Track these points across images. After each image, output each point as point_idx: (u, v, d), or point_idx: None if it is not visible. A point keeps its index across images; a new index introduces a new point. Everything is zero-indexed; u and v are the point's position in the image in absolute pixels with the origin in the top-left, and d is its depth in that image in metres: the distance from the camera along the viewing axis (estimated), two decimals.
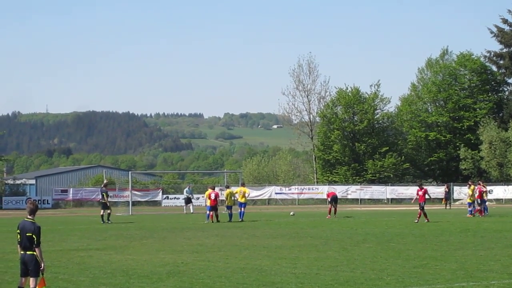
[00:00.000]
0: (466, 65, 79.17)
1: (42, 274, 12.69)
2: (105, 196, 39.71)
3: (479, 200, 42.73)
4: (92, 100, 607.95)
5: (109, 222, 38.59)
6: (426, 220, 35.85)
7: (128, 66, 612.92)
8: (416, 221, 35.84)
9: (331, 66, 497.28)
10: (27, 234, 12.55)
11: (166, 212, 57.13)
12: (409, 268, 17.40)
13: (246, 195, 41.31)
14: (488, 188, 64.30)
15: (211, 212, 38.57)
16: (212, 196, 38.73)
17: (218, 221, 38.15)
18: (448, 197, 58.92)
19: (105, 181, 44.86)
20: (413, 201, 42.45)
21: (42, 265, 12.64)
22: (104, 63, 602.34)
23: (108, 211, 39.27)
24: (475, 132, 75.36)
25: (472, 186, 43.58)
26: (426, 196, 37.59)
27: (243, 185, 43.39)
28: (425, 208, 36.82)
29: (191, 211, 52.10)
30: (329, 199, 43.49)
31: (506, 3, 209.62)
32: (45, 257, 13.42)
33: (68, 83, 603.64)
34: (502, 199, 68.18)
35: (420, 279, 15.68)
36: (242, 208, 40.23)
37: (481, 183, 45.08)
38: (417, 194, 37.64)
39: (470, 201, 42.89)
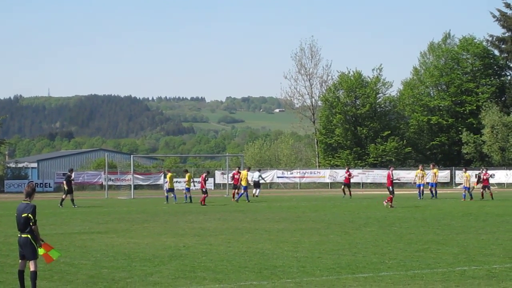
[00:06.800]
0: (468, 49, 78.88)
1: (42, 242, 12.71)
2: (69, 182, 40.16)
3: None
4: (94, 84, 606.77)
5: (75, 206, 39.00)
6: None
7: (130, 49, 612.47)
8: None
9: (333, 50, 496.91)
10: (23, 215, 12.60)
11: None
12: (410, 252, 17.42)
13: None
14: (490, 172, 64.51)
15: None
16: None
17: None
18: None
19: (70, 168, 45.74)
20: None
21: (39, 239, 12.66)
22: (106, 46, 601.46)
23: (66, 196, 39.75)
24: (477, 116, 75.16)
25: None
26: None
27: (248, 169, 45.12)
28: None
29: (256, 194, 47.30)
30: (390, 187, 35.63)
31: None
32: (47, 240, 13.50)
33: (70, 67, 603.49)
34: (504, 183, 68.11)
35: (422, 263, 15.69)
36: (243, 190, 41.96)
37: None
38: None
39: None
